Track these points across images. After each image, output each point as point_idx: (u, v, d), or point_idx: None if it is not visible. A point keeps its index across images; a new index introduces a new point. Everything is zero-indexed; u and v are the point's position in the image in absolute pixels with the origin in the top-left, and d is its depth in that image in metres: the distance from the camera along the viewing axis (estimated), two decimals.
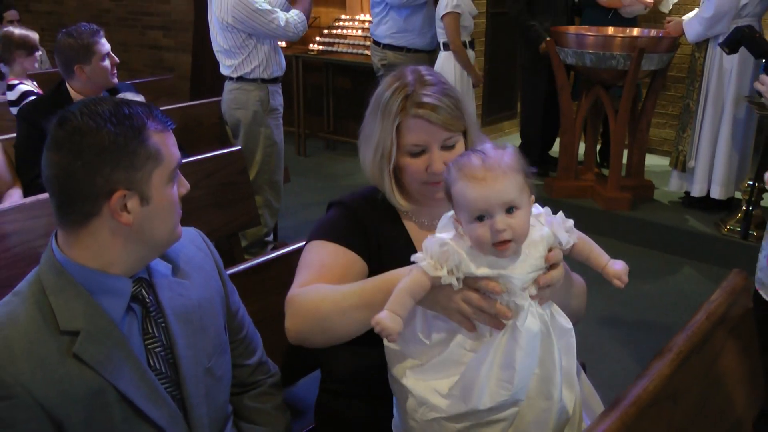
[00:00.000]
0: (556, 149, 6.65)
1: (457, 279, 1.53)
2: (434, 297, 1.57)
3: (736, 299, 2.09)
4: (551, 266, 1.60)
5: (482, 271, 1.53)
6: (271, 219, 5.10)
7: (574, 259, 1.69)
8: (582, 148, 6.43)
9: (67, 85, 3.87)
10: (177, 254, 1.74)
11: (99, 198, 1.51)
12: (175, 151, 1.60)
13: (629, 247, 5.61)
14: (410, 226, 1.98)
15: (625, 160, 6.18)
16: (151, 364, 1.62)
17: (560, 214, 1.65)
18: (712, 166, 5.56)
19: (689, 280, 5.09)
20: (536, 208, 1.65)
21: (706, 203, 5.71)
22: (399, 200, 1.94)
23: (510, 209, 1.52)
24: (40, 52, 5.20)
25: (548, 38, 5.95)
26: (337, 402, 2.03)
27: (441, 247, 1.55)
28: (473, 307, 1.53)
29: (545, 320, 1.60)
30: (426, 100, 1.83)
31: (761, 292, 2.46)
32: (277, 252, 2.45)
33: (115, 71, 3.91)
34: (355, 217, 1.95)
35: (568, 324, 1.65)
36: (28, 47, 4.91)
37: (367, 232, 1.93)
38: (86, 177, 1.49)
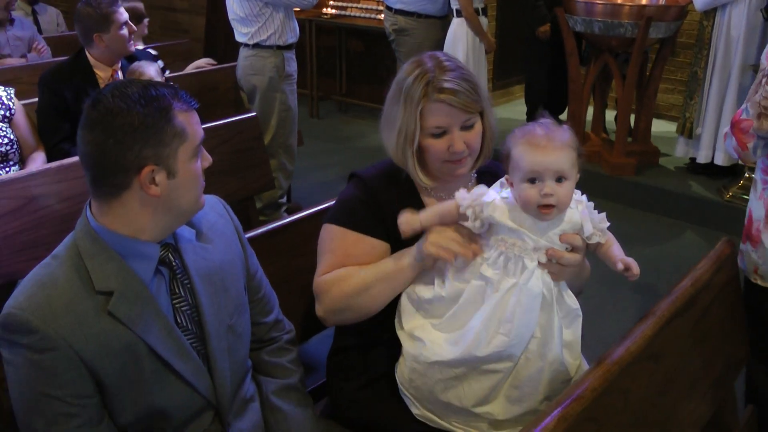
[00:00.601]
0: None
1: (479, 222, 1.79)
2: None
3: (722, 266, 2.22)
4: (572, 249, 1.80)
5: (504, 219, 1.76)
6: (286, 182, 5.23)
7: (594, 254, 1.87)
8: (590, 114, 6.52)
9: (87, 52, 3.99)
10: (200, 221, 1.88)
11: (130, 172, 1.63)
12: (199, 129, 1.72)
13: (633, 211, 5.73)
14: (429, 201, 2.10)
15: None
16: (179, 321, 1.77)
17: (603, 215, 1.85)
18: (717, 133, 5.64)
19: (691, 244, 5.21)
20: (581, 197, 1.85)
21: (710, 169, 5.80)
22: (422, 178, 2.05)
23: (560, 179, 1.73)
24: (147, 19, 5.36)
25: (548, 24, 6.13)
26: (347, 355, 2.18)
27: (479, 190, 1.81)
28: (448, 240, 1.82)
29: (550, 289, 1.79)
30: (447, 85, 1.94)
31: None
32: (291, 217, 2.55)
33: (133, 39, 4.03)
34: (374, 198, 2.06)
35: (575, 305, 1.86)
36: (137, 16, 5.03)
37: (384, 214, 2.03)
38: (118, 154, 1.61)
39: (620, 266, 1.81)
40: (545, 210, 1.73)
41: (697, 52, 5.70)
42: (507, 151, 1.81)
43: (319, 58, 8.34)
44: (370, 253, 2.01)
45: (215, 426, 1.85)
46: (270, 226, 2.47)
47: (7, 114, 3.66)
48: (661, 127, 7.00)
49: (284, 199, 5.27)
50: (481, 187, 1.84)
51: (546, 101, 6.73)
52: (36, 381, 1.60)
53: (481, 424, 1.90)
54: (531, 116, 6.69)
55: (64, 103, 3.83)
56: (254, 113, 4.12)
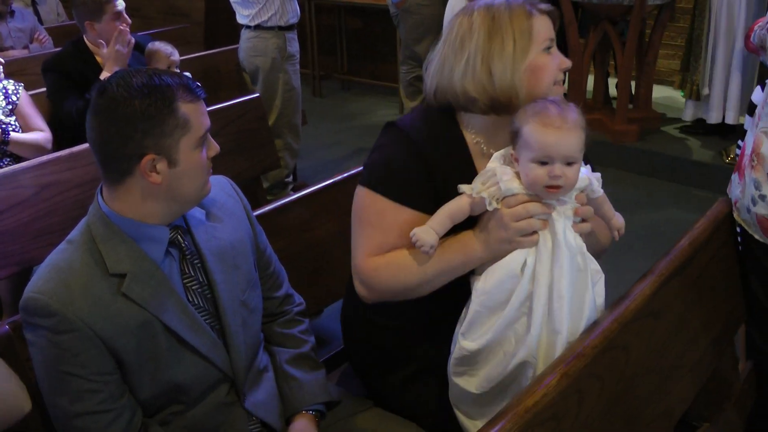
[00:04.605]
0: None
1: (496, 200, 1.73)
2: (492, 238, 1.76)
3: (720, 226, 2.28)
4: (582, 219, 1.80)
5: (521, 188, 1.73)
6: (291, 161, 5.28)
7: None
8: (591, 82, 6.54)
9: (84, 39, 4.07)
10: (210, 201, 1.92)
11: (131, 160, 1.68)
12: (204, 120, 1.75)
13: (637, 177, 5.76)
14: (480, 163, 1.93)
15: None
16: (190, 299, 1.82)
17: (598, 174, 1.85)
18: (726, 95, 5.65)
19: (694, 208, 5.23)
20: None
21: (719, 129, 5.85)
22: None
23: (569, 162, 1.71)
24: None
25: None
26: (370, 327, 2.14)
27: (486, 173, 1.76)
28: (523, 218, 1.72)
29: (584, 252, 1.79)
30: (543, 6, 1.90)
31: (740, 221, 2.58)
32: (297, 194, 2.60)
33: (128, 30, 4.04)
34: (422, 160, 1.90)
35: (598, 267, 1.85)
36: None
37: (435, 180, 1.89)
38: (120, 141, 1.66)
39: (616, 234, 1.88)
40: (552, 190, 1.71)
41: (698, 16, 5.72)
42: (517, 127, 1.75)
43: (320, 37, 8.36)
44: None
45: (231, 397, 1.90)
46: (277, 204, 2.51)
47: (11, 107, 3.70)
48: (662, 92, 7.01)
49: (290, 178, 5.32)
50: (483, 171, 1.80)
51: None
52: (58, 360, 1.66)
53: None
54: None
55: (70, 79, 3.91)
56: (258, 94, 4.17)
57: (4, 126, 3.62)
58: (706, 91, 5.76)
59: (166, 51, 4.10)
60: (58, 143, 3.84)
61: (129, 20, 4.05)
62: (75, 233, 1.77)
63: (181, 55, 5.01)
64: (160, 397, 1.80)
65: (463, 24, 1.89)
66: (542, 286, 1.73)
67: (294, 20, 5.11)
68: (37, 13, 6.70)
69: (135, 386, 1.76)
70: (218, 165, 1.85)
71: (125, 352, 1.70)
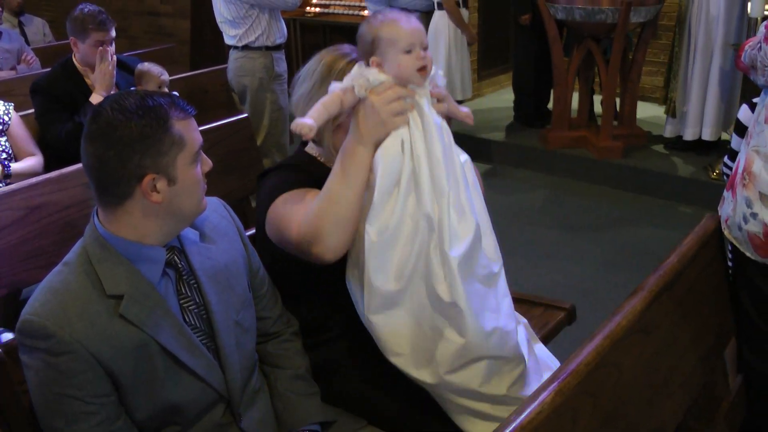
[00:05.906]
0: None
1: (365, 90, 1.92)
2: (366, 126, 1.91)
3: (708, 241, 2.30)
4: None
5: (387, 77, 1.93)
6: None
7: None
8: (576, 99, 6.60)
9: (73, 59, 4.10)
10: (203, 222, 1.94)
11: (131, 182, 1.69)
12: (197, 136, 1.78)
13: (623, 193, 5.80)
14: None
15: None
16: (187, 320, 1.83)
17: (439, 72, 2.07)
18: (703, 111, 5.73)
19: (681, 224, 5.26)
20: None
21: (697, 146, 5.91)
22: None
23: (425, 47, 1.96)
24: None
25: (530, 13, 6.24)
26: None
27: (352, 74, 1.96)
28: (393, 100, 1.91)
29: (446, 129, 1.97)
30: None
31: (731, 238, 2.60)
32: None
33: (107, 50, 4.05)
34: (299, 168, 2.14)
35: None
36: None
37: (315, 178, 2.05)
38: (119, 164, 1.67)
39: (469, 120, 2.08)
40: (423, 72, 1.93)
41: (677, 33, 5.79)
42: (371, 38, 1.97)
43: (305, 56, 8.35)
44: None
45: (227, 418, 1.91)
46: None
47: (2, 127, 3.72)
48: (646, 109, 7.07)
49: None
50: (354, 69, 1.98)
51: (533, 88, 6.80)
52: (55, 383, 1.66)
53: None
54: (519, 104, 6.77)
55: (59, 102, 3.93)
56: (245, 115, 4.18)
57: (3, 161, 3.64)
58: (685, 109, 5.82)
59: (156, 71, 4.13)
60: (47, 164, 3.85)
61: (113, 50, 4.06)
62: (71, 255, 1.78)
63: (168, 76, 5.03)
64: (156, 419, 1.80)
65: None
66: (422, 158, 1.91)
67: (281, 40, 5.15)
68: (24, 34, 6.70)
69: (131, 408, 1.76)
70: (207, 185, 1.87)
71: (122, 373, 1.71)
